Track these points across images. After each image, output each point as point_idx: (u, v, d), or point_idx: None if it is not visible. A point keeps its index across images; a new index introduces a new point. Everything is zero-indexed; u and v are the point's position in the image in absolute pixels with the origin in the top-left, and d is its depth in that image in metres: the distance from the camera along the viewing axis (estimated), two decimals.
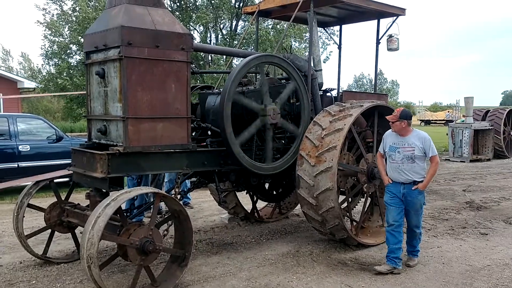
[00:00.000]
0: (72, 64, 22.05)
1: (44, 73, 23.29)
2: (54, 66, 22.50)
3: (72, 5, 21.66)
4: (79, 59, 21.99)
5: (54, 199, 5.78)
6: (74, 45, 21.97)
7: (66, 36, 22.16)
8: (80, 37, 21.58)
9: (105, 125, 5.05)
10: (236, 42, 27.02)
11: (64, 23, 22.29)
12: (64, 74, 21.00)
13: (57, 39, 22.21)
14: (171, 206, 4.82)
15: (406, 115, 5.46)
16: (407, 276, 5.31)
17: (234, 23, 27.99)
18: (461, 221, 7.82)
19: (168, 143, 5.05)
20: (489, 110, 19.50)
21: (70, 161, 5.53)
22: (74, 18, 22.03)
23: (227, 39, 27.28)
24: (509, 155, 18.14)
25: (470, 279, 5.21)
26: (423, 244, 6.47)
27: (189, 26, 25.50)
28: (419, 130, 5.60)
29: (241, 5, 26.82)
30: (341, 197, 6.57)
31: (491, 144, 17.71)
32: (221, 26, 28.20)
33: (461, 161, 16.97)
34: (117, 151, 4.70)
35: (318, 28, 7.59)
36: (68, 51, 22.34)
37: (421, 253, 6.10)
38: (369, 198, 6.88)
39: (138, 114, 4.81)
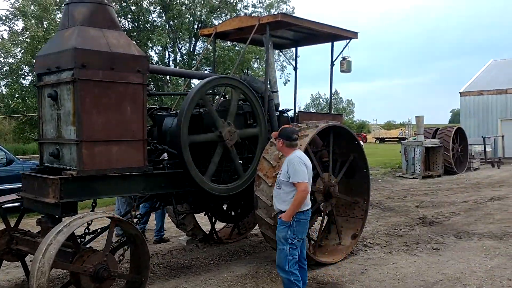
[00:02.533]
0: (24, 85, 21.40)
1: None
2: (5, 87, 21.78)
3: (23, 25, 21.12)
4: (31, 80, 21.37)
5: (2, 226, 5.53)
6: (26, 66, 21.36)
7: (17, 57, 21.53)
8: (31, 58, 21.03)
9: (58, 149, 4.93)
10: (194, 62, 27.08)
11: (14, 44, 21.67)
12: (16, 96, 20.33)
13: (7, 60, 21.57)
14: (127, 230, 4.72)
15: (284, 133, 4.82)
16: None
17: (192, 44, 28.05)
18: (414, 237, 8.05)
19: (124, 166, 4.97)
20: (439, 128, 20.31)
21: (21, 186, 5.34)
22: (26, 38, 21.49)
23: (186, 60, 27.28)
24: (458, 171, 18.89)
25: None
26: (379, 261, 6.62)
27: (145, 47, 25.33)
28: (297, 152, 4.82)
29: (199, 26, 26.96)
30: None
31: (441, 161, 18.40)
32: (180, 46, 28.18)
33: (413, 178, 17.52)
34: (70, 175, 4.59)
35: (274, 50, 7.74)
36: (20, 72, 21.68)
37: (377, 269, 6.24)
38: (326, 216, 6.98)
39: (93, 137, 4.72)
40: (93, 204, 5.57)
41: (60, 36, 5.00)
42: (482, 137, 23.36)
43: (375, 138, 58.15)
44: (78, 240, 4.84)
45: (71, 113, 4.70)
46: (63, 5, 22.79)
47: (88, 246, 4.95)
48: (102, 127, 4.79)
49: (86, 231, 5.30)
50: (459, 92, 28.62)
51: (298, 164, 4.63)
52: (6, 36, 22.09)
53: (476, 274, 6.01)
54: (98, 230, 5.55)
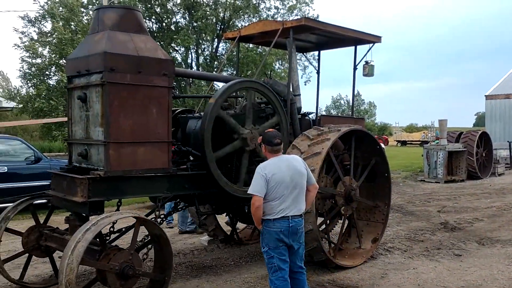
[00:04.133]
0: (51, 85, 21.90)
1: (23, 94, 23.06)
2: (33, 87, 22.32)
3: (51, 26, 21.61)
4: (57, 80, 21.88)
5: (32, 222, 5.73)
6: (53, 67, 21.86)
7: (45, 58, 22.05)
8: (58, 58, 21.51)
9: (86, 149, 5.09)
10: (217, 63, 27.29)
11: (42, 45, 22.21)
12: (43, 95, 20.81)
13: (35, 61, 22.11)
14: (151, 230, 4.85)
15: (266, 138, 4.59)
16: None
17: (215, 45, 28.25)
18: (436, 242, 8.00)
19: (149, 167, 5.11)
20: (462, 132, 20.02)
21: (50, 182, 5.53)
22: (53, 40, 22.02)
23: (209, 61, 27.51)
24: (482, 176, 18.58)
25: None
26: (400, 266, 6.62)
27: (169, 48, 25.65)
28: (271, 159, 4.53)
29: (222, 27, 27.16)
30: (320, 219, 6.68)
31: (464, 166, 18.12)
32: (202, 48, 28.42)
33: (436, 182, 17.32)
34: (98, 175, 4.74)
35: (297, 53, 7.81)
36: (47, 73, 22.19)
37: (397, 274, 6.25)
38: (346, 220, 7.01)
39: (120, 138, 4.86)
40: (118, 204, 5.73)
41: (90, 40, 5.17)
42: (508, 141, 22.91)
43: (396, 141, 57.52)
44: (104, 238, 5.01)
45: (99, 115, 4.86)
46: (89, 8, 23.18)
47: (113, 244, 5.11)
48: (129, 129, 4.93)
49: (112, 229, 5.45)
50: (485, 95, 28.17)
51: (256, 174, 4.41)
52: (35, 37, 22.60)
53: (499, 281, 5.96)
54: (123, 229, 5.71)
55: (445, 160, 17.38)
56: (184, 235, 8.75)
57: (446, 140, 18.52)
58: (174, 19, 27.12)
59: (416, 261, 6.90)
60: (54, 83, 22.15)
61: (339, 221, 7.13)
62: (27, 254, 5.71)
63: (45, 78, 22.20)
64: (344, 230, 7.08)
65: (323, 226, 6.81)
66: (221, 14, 26.30)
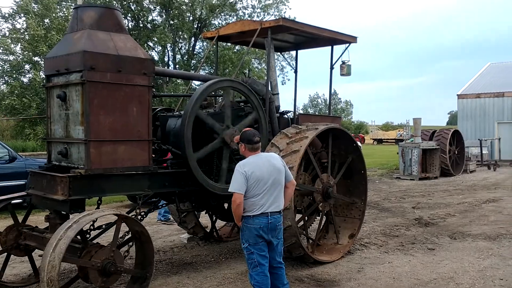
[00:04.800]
0: (24, 83, 21.54)
1: None
2: (6, 85, 21.93)
3: (23, 23, 21.30)
4: (30, 78, 21.52)
5: (7, 222, 5.68)
6: (27, 64, 21.50)
7: (18, 55, 21.66)
8: (31, 56, 21.16)
9: (66, 148, 5.09)
10: (194, 61, 27.26)
11: (15, 41, 21.82)
12: (16, 93, 20.45)
13: (8, 58, 21.71)
14: (132, 227, 4.89)
15: (245, 137, 4.67)
16: None
17: (192, 44, 28.20)
18: (410, 237, 8.24)
19: (129, 165, 5.14)
20: (436, 130, 20.52)
21: (25, 182, 5.50)
22: (25, 36, 21.67)
23: (186, 59, 27.43)
24: (454, 173, 19.09)
25: None
26: (376, 260, 6.81)
27: (146, 46, 25.50)
28: (250, 157, 4.62)
29: (199, 26, 27.12)
30: (298, 216, 6.81)
31: (438, 163, 18.60)
32: (179, 46, 28.32)
33: (410, 179, 17.72)
34: (79, 174, 4.75)
35: (275, 52, 7.92)
36: (20, 70, 21.81)
37: (373, 268, 6.43)
38: (324, 216, 7.16)
39: (100, 137, 4.88)
40: (98, 202, 5.75)
41: (69, 39, 5.16)
42: (479, 139, 23.60)
43: (373, 139, 58.38)
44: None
45: (79, 114, 4.87)
46: (64, 4, 22.80)
47: (94, 242, 5.13)
48: (109, 127, 4.95)
49: (92, 227, 5.47)
50: (457, 95, 28.86)
51: (236, 172, 4.50)
52: (7, 33, 22.19)
53: (469, 273, 6.20)
54: (104, 227, 5.73)
55: (419, 157, 17.80)
56: (164, 232, 8.78)
57: (420, 138, 18.96)
58: (150, 17, 26.95)
59: (391, 256, 7.10)
60: (27, 81, 21.80)
61: (317, 217, 7.27)
62: (5, 254, 5.67)
63: (19, 75, 21.80)
64: (322, 226, 7.23)
65: (302, 223, 6.95)
66: (198, 13, 26.27)
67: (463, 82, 30.65)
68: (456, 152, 19.98)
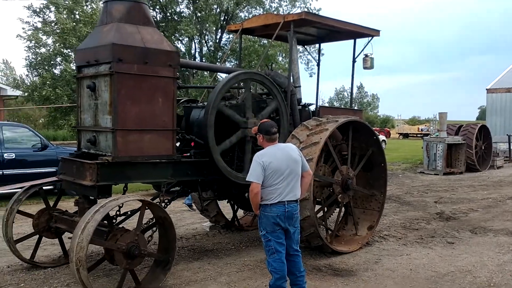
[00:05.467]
0: (56, 74, 22.17)
1: (28, 83, 23.38)
2: (38, 76, 22.61)
3: (54, 16, 21.86)
4: (62, 69, 22.14)
5: (38, 207, 6.00)
6: (58, 56, 22.12)
7: (49, 47, 22.29)
8: (62, 48, 21.75)
9: (94, 136, 5.35)
10: (220, 54, 27.46)
11: (46, 34, 22.46)
12: (48, 83, 21.08)
13: (40, 50, 22.36)
14: (156, 213, 5.11)
15: (263, 128, 4.78)
16: (377, 281, 5.68)
17: (218, 36, 28.39)
18: (430, 231, 8.26)
19: (154, 154, 5.37)
20: (462, 125, 20.21)
21: (56, 169, 5.80)
22: (56, 29, 22.28)
23: (212, 52, 27.67)
24: (480, 168, 18.80)
25: (435, 284, 5.60)
26: (394, 252, 6.88)
27: (173, 38, 25.83)
28: (268, 148, 4.75)
29: (226, 18, 27.27)
30: (317, 207, 6.94)
31: (463, 158, 18.35)
32: (206, 38, 28.58)
33: (435, 174, 17.55)
34: (106, 161, 5.00)
35: (299, 46, 8.02)
36: (52, 62, 22.44)
37: (391, 260, 6.51)
38: (343, 208, 7.26)
39: (127, 126, 5.12)
40: (124, 189, 6.00)
41: (99, 31, 5.40)
42: (507, 135, 23.10)
43: (398, 133, 57.65)
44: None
45: (107, 103, 5.11)
46: (100, 1, 23.32)
47: (120, 226, 5.38)
48: (136, 117, 5.18)
49: (118, 213, 5.72)
50: (486, 89, 28.28)
51: (254, 162, 4.64)
52: (39, 26, 22.83)
53: (488, 267, 6.22)
54: (129, 212, 5.98)
55: (444, 152, 17.60)
56: (187, 220, 9.03)
57: (445, 132, 18.73)
58: (177, 9, 27.26)
59: (409, 248, 7.16)
60: (58, 73, 22.42)
61: (336, 209, 7.38)
62: (37, 236, 6.00)
63: (50, 67, 22.44)
64: (341, 218, 7.34)
65: (321, 213, 7.07)
66: (225, 5, 26.42)
67: (493, 77, 29.92)
68: (483, 148, 19.64)
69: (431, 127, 48.89)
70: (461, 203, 11.28)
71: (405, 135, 56.71)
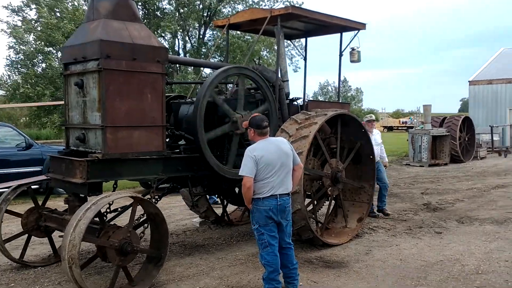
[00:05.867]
0: (38, 72, 21.87)
1: (9, 82, 23.02)
2: (19, 74, 22.30)
3: (35, 14, 21.59)
4: (44, 67, 21.86)
5: (24, 206, 5.93)
6: (40, 54, 21.82)
7: (31, 45, 21.97)
8: (44, 45, 21.45)
9: (83, 133, 5.30)
10: (204, 50, 27.37)
11: (27, 31, 22.13)
12: (31, 81, 20.78)
13: (22, 48, 22.03)
14: (147, 209, 5.10)
15: (254, 122, 4.83)
16: (368, 272, 5.75)
17: (202, 32, 28.28)
18: (418, 222, 8.38)
19: (144, 150, 5.34)
20: (446, 117, 20.50)
21: (41, 169, 5.73)
22: (38, 25, 21.96)
23: (196, 48, 27.55)
24: (464, 159, 19.11)
25: (425, 273, 5.69)
26: (383, 243, 6.97)
27: (156, 34, 25.65)
28: (260, 142, 4.80)
29: (209, 14, 27.15)
30: (307, 200, 6.98)
31: (448, 150, 18.63)
32: (189, 34, 28.44)
33: (420, 166, 17.78)
34: (96, 158, 4.96)
35: (285, 40, 8.03)
36: (34, 60, 22.14)
37: (381, 251, 6.59)
38: (333, 200, 7.32)
39: (116, 122, 5.08)
40: (114, 186, 5.98)
41: (86, 28, 5.34)
42: (490, 126, 23.49)
43: (383, 126, 58.14)
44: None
45: (96, 100, 5.07)
46: None
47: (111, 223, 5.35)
48: (125, 113, 5.15)
49: (108, 210, 5.69)
50: (468, 81, 28.68)
51: (245, 157, 4.67)
52: (19, 24, 22.49)
53: (475, 255, 6.33)
54: (119, 209, 5.95)
55: (429, 144, 17.84)
56: (176, 217, 9.02)
57: (430, 125, 18.98)
58: (160, 5, 27.07)
59: (399, 239, 7.25)
60: (41, 71, 22.13)
61: (326, 201, 7.43)
62: (26, 235, 5.93)
63: (32, 65, 22.14)
64: (330, 210, 7.40)
65: (311, 206, 7.12)
66: (207, 1, 26.31)
67: (475, 70, 30.37)
68: (467, 139, 19.96)
69: (415, 120, 49.46)
70: (447, 193, 11.46)
71: (390, 128, 57.25)
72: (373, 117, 9.35)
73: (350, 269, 5.87)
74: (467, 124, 20.07)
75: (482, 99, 27.83)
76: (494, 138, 23.21)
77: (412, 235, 7.47)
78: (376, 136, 8.83)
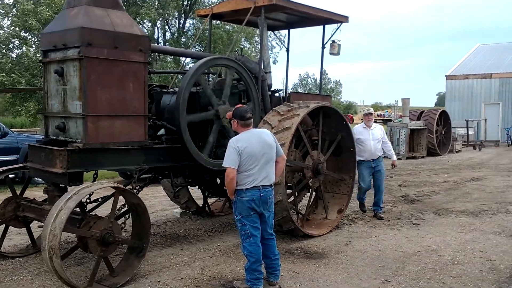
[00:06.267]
0: (13, 58, 21.31)
1: None
2: None
3: None
4: (20, 53, 21.31)
5: (3, 196, 5.80)
6: (15, 39, 21.26)
7: (6, 29, 21.38)
8: (20, 31, 20.92)
9: (63, 122, 5.21)
10: (184, 39, 27.10)
11: (3, 15, 21.52)
12: (7, 68, 20.23)
13: None
14: (129, 199, 5.05)
15: (237, 113, 4.83)
16: (348, 262, 5.84)
17: (182, 21, 27.98)
18: (396, 213, 8.52)
19: (126, 140, 5.28)
20: (424, 111, 20.83)
21: (17, 157, 5.62)
22: (12, 9, 21.39)
23: (176, 37, 27.26)
24: (441, 152, 19.48)
25: (403, 264, 5.80)
26: (363, 234, 7.08)
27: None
28: (243, 133, 4.82)
29: (189, 3, 26.85)
30: (288, 192, 7.02)
31: (425, 143, 18.96)
32: (169, 23, 28.11)
33: (398, 158, 17.91)
34: (77, 147, 4.88)
35: (268, 31, 8.01)
36: (10, 45, 21.56)
37: (360, 242, 6.69)
38: (314, 192, 7.38)
39: (97, 112, 5.00)
40: (95, 176, 5.91)
41: (66, 14, 5.22)
42: (465, 120, 23.98)
43: (361, 119, 58.70)
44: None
45: (77, 89, 4.97)
46: None
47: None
48: (106, 102, 5.07)
49: (88, 200, 5.61)
50: (445, 76, 29.16)
51: (229, 148, 4.69)
52: None
53: (451, 246, 6.49)
54: (99, 200, 5.88)
55: (407, 137, 18.11)
56: (156, 207, 8.96)
57: (408, 118, 19.26)
58: None
59: (378, 230, 7.37)
60: (15, 56, 21.58)
61: (307, 193, 7.49)
62: (3, 225, 5.81)
63: (8, 51, 21.56)
64: (311, 202, 7.47)
65: (292, 198, 7.17)
66: None
67: (452, 64, 30.88)
68: (443, 133, 20.33)
69: (392, 113, 50.10)
70: (424, 186, 11.68)
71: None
72: (371, 110, 8.76)
73: (330, 259, 5.94)
74: (444, 118, 20.44)
75: (458, 94, 28.36)
76: (469, 132, 23.72)
77: (390, 226, 7.60)
78: (374, 130, 8.24)
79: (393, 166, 8.82)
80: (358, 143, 7.93)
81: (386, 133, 14.82)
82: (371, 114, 8.45)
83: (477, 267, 5.63)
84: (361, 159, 8.05)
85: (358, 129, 8.16)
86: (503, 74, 27.15)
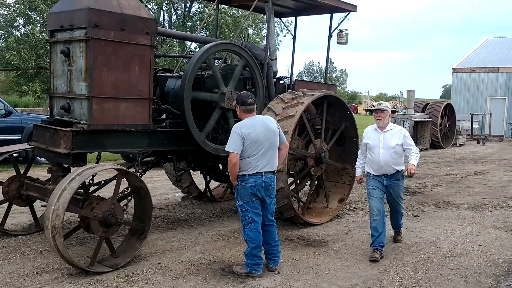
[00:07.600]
0: (19, 37, 21.25)
1: None
2: (1, 39, 21.63)
3: None
4: (25, 32, 21.25)
5: (7, 175, 5.85)
6: (21, 18, 21.17)
7: (11, 7, 21.28)
8: (27, 10, 20.84)
9: (68, 103, 5.22)
10: (190, 23, 26.95)
11: None
12: (12, 47, 20.18)
13: (1, 11, 21.34)
14: (132, 182, 5.08)
15: (240, 99, 4.87)
16: (347, 251, 5.88)
17: (188, 5, 27.80)
18: None
19: (130, 123, 5.30)
20: (429, 103, 20.74)
21: (21, 137, 5.65)
22: None
23: (181, 21, 27.11)
24: (444, 145, 19.44)
25: (401, 255, 5.84)
26: (363, 224, 7.11)
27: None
28: (247, 119, 4.84)
29: None
30: (290, 179, 7.05)
31: (428, 135, 18.91)
32: (175, 7, 27.92)
33: None
34: (81, 128, 4.90)
35: (275, 17, 7.96)
36: (15, 24, 21.48)
37: (360, 231, 6.72)
38: (315, 181, 7.41)
39: (103, 93, 5.02)
40: (98, 157, 5.94)
41: None
42: (470, 114, 23.87)
43: (365, 109, 58.53)
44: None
45: (83, 70, 4.98)
46: None
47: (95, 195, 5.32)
48: (112, 84, 5.08)
49: (91, 182, 5.65)
50: (452, 68, 28.95)
51: (232, 133, 4.71)
52: None
53: (451, 239, 6.52)
54: (102, 182, 5.91)
55: (411, 129, 18.05)
56: (158, 191, 9.01)
57: (413, 110, 19.19)
58: None
59: None
60: (19, 35, 21.51)
61: (308, 181, 7.51)
62: (7, 203, 5.87)
63: (13, 29, 21.49)
64: (312, 190, 7.49)
65: (293, 186, 7.19)
66: None
67: (459, 57, 30.66)
68: (447, 126, 20.27)
69: (397, 105, 49.90)
70: (425, 178, 11.68)
71: (371, 111, 57.63)
72: (383, 105, 5.98)
73: (329, 248, 5.98)
74: (449, 111, 20.36)
75: (464, 87, 28.19)
76: (474, 126, 23.63)
77: None
78: (388, 134, 5.78)
79: (408, 175, 5.99)
80: (368, 150, 6.01)
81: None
82: (382, 111, 5.82)
83: (475, 260, 5.66)
84: (369, 171, 6.07)
85: (368, 131, 6.06)
86: (511, 69, 26.94)
